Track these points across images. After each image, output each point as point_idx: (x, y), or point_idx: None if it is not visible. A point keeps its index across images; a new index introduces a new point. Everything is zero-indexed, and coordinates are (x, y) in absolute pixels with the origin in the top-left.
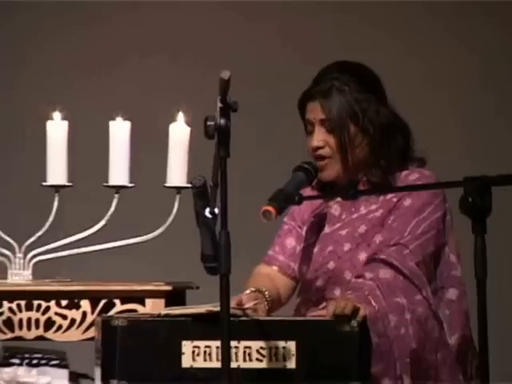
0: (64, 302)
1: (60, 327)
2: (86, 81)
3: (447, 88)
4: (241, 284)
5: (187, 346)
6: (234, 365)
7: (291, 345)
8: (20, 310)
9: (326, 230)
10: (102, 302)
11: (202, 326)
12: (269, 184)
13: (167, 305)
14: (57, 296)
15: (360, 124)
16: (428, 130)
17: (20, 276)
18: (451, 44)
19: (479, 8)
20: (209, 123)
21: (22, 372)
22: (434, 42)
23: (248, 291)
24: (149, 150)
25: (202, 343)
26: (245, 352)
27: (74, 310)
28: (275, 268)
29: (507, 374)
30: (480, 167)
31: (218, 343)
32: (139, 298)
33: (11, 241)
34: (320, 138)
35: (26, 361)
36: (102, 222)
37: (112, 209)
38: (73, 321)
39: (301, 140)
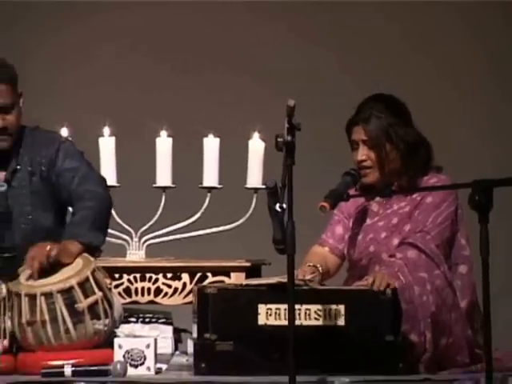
0: (169, 275)
1: (166, 294)
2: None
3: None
4: (302, 260)
5: (262, 308)
6: (297, 322)
7: (341, 308)
8: (136, 281)
9: (368, 222)
10: (198, 274)
11: (273, 293)
12: (324, 185)
13: (247, 277)
14: (163, 270)
15: (393, 142)
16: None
17: (136, 255)
18: (467, 46)
19: (494, 8)
20: (279, 139)
21: (137, 327)
22: (449, 44)
23: (307, 265)
24: (232, 162)
25: (273, 306)
26: (305, 313)
27: (176, 281)
28: (326, 249)
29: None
30: (490, 168)
31: (285, 306)
32: (226, 271)
33: (129, 228)
34: (363, 153)
35: (141, 319)
36: (198, 215)
37: (205, 204)
38: (176, 289)
39: (347, 152)
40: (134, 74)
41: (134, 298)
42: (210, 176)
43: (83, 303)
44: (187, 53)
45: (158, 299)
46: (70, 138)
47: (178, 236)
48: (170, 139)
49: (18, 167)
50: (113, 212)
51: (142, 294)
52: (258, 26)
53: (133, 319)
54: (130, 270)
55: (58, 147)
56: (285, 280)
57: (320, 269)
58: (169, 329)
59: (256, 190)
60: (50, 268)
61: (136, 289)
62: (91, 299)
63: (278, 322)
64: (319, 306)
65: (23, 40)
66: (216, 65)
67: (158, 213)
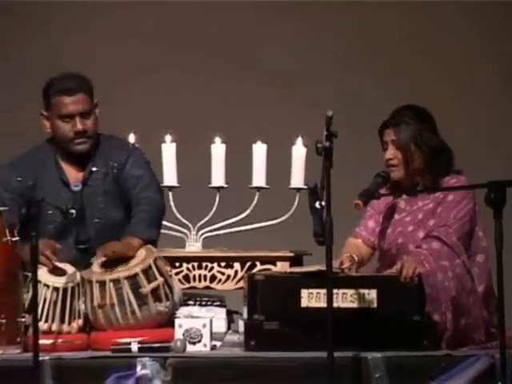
0: (223, 264)
1: (220, 280)
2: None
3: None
4: (338, 250)
5: (304, 293)
6: (335, 305)
7: (373, 292)
8: (194, 269)
9: (396, 217)
10: (248, 263)
11: (314, 279)
12: (358, 186)
13: (291, 265)
14: (218, 260)
15: (418, 145)
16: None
17: (194, 247)
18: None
19: (501, 8)
20: (318, 145)
21: (195, 309)
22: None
23: (344, 256)
24: (277, 165)
25: (314, 290)
26: (342, 296)
27: (229, 269)
28: (360, 240)
29: None
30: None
31: (324, 290)
32: (272, 261)
33: (188, 223)
34: (391, 153)
35: (198, 302)
36: (248, 211)
37: (254, 202)
38: (228, 276)
39: (378, 156)
40: (193, 85)
41: (192, 283)
42: (259, 177)
43: (147, 288)
44: (245, 67)
45: (213, 285)
46: (137, 145)
47: (230, 230)
48: (224, 145)
49: (94, 169)
50: (173, 209)
51: (199, 281)
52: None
53: (191, 302)
54: (188, 259)
55: (129, 154)
56: (324, 268)
57: (355, 258)
58: (222, 311)
59: (298, 189)
60: (117, 260)
61: (194, 276)
62: (154, 284)
63: (318, 305)
64: (354, 291)
65: (93, 50)
66: (263, 76)
67: (213, 209)
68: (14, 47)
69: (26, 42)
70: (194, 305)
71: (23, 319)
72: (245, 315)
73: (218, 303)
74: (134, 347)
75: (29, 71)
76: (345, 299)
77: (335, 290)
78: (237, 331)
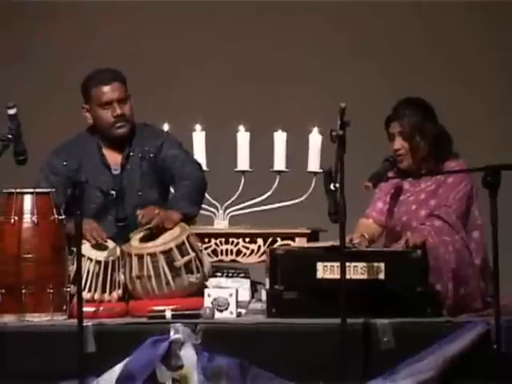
0: (247, 239)
1: (245, 254)
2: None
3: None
4: (351, 228)
5: (320, 265)
6: (347, 276)
7: (381, 265)
8: (221, 244)
9: (401, 198)
10: (270, 239)
11: (328, 254)
12: (368, 169)
13: (308, 241)
14: (243, 236)
15: (422, 135)
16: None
17: (221, 224)
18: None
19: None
20: (333, 133)
21: (222, 280)
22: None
23: (355, 235)
24: (296, 151)
25: (328, 263)
26: (354, 269)
27: (253, 244)
28: (370, 220)
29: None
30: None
31: (338, 263)
32: (291, 237)
33: (216, 203)
34: (399, 143)
35: (225, 274)
36: (269, 192)
37: (275, 184)
38: (252, 250)
39: (385, 143)
40: (220, 80)
41: (219, 257)
42: (279, 162)
43: (180, 261)
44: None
45: (239, 258)
46: (170, 133)
47: (254, 209)
48: (248, 133)
49: (132, 154)
50: None
51: (226, 255)
52: None
53: (219, 274)
54: (216, 235)
55: (163, 139)
56: (337, 243)
57: (366, 236)
58: (247, 281)
59: (315, 173)
60: (154, 234)
61: (221, 250)
62: (186, 258)
63: (332, 276)
64: (364, 264)
65: (133, 50)
66: (283, 72)
67: (238, 191)
68: (54, 47)
69: (67, 45)
70: (222, 276)
71: (69, 289)
72: (267, 285)
73: (242, 275)
74: (168, 314)
75: (76, 69)
76: (356, 271)
77: (347, 263)
78: (259, 300)
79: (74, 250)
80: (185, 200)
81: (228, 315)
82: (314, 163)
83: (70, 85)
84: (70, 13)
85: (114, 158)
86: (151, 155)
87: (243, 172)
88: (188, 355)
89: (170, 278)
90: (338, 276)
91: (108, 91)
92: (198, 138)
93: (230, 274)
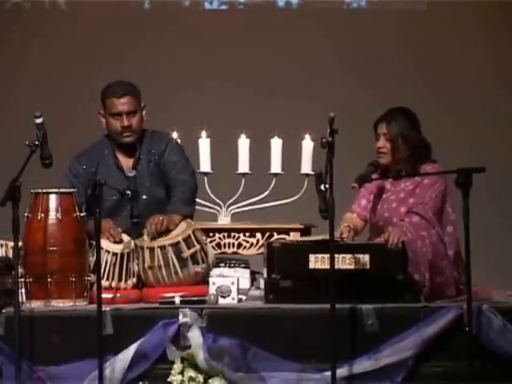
0: (247, 234)
1: (245, 247)
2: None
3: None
4: (339, 224)
5: (312, 257)
6: (336, 266)
7: (366, 256)
8: (224, 238)
9: (384, 196)
10: (267, 233)
11: (319, 246)
12: (354, 171)
13: (301, 235)
14: (243, 231)
15: (404, 140)
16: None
17: (224, 220)
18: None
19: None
20: (323, 140)
21: (225, 270)
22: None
23: (342, 226)
24: (290, 155)
25: (319, 255)
26: (342, 260)
27: (252, 238)
28: (355, 214)
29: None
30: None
31: (327, 255)
32: (286, 232)
33: (219, 202)
34: (382, 143)
35: (227, 264)
36: (267, 192)
37: (272, 185)
38: (252, 244)
39: (371, 148)
40: (223, 92)
41: (222, 249)
42: (276, 165)
43: (187, 253)
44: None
45: (240, 251)
46: (178, 140)
47: (253, 207)
48: (248, 140)
49: (141, 156)
50: (208, 190)
51: (228, 247)
52: None
53: (222, 264)
54: (220, 230)
55: (167, 144)
56: (327, 237)
57: (352, 228)
58: (247, 271)
59: (307, 175)
60: (163, 232)
61: (224, 243)
62: (192, 250)
63: (322, 267)
64: (351, 255)
65: (146, 64)
66: (279, 85)
67: (239, 191)
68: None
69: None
70: (224, 266)
71: (89, 278)
72: (265, 275)
73: (243, 265)
74: (177, 300)
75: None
76: (344, 262)
77: (336, 255)
78: (258, 287)
79: (94, 243)
80: (181, 203)
81: (230, 301)
82: (306, 166)
83: (88, 94)
84: (85, 22)
85: (126, 161)
86: (156, 157)
87: (244, 174)
88: (195, 336)
89: (178, 268)
90: (327, 266)
91: (119, 104)
92: (204, 144)
93: (232, 265)
